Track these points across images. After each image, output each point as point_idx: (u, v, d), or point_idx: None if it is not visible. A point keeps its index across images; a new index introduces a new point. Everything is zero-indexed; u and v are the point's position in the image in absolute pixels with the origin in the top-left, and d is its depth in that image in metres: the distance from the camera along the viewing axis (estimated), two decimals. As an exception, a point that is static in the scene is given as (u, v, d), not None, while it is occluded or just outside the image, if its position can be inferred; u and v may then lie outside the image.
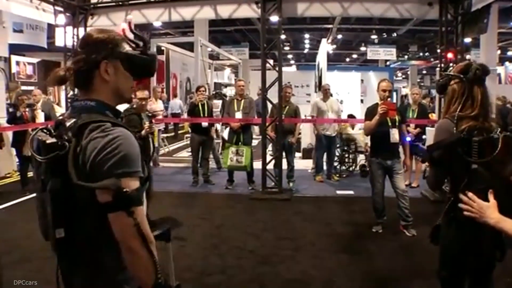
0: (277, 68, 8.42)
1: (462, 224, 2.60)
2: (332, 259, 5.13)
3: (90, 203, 1.59)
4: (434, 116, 9.46)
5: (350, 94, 13.36)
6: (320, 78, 12.08)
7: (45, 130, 1.71)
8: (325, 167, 9.49)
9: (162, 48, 16.37)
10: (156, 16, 9.66)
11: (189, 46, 13.31)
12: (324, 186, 8.93)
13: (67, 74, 1.76)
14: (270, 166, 8.29)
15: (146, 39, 1.88)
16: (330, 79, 11.52)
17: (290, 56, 35.83)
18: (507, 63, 26.74)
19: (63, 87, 11.73)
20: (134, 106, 6.02)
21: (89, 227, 1.66)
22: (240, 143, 8.26)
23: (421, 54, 28.15)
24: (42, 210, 1.76)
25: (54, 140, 1.61)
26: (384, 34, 23.76)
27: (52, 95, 18.94)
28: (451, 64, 7.65)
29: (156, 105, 10.90)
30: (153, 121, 6.25)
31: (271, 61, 9.51)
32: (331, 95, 9.86)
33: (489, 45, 8.90)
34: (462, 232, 2.65)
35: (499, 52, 22.59)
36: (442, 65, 8.33)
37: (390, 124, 5.84)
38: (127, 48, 1.78)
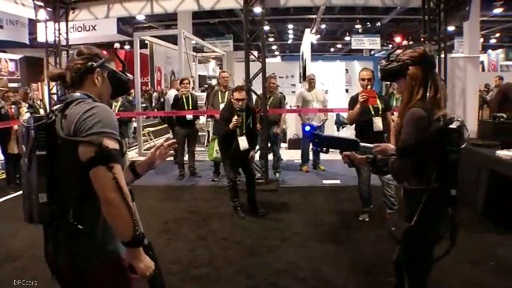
0: (260, 59, 8.40)
1: (437, 216, 2.67)
2: (320, 249, 5.15)
3: (70, 169, 1.88)
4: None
5: (335, 84, 13.36)
6: (304, 68, 12.08)
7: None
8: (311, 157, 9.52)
9: (146, 41, 16.24)
10: (138, 9, 9.59)
11: (173, 39, 13.18)
12: (310, 176, 8.96)
13: (63, 73, 2.09)
14: (256, 157, 8.27)
15: (124, 63, 2.35)
16: (314, 69, 11.49)
17: (274, 47, 35.70)
18: (490, 51, 26.97)
19: (45, 83, 11.66)
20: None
21: (68, 194, 1.93)
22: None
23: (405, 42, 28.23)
24: (27, 190, 1.98)
25: (43, 114, 2.01)
26: (368, 23, 23.76)
27: (35, 91, 18.75)
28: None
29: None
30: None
31: (255, 53, 9.47)
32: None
33: (472, 33, 8.95)
34: (437, 223, 2.71)
35: (482, 40, 22.76)
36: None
37: (373, 112, 5.84)
38: (111, 66, 2.18)
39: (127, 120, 9.38)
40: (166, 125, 17.90)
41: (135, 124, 11.62)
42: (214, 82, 17.08)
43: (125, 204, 1.81)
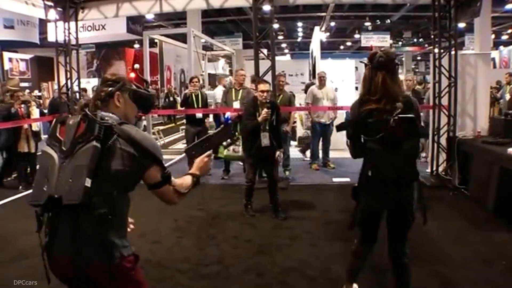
0: (270, 57, 8.39)
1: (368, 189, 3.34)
2: (329, 247, 5.14)
3: (113, 169, 2.13)
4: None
5: (345, 82, 13.32)
6: (314, 66, 12.06)
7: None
8: (321, 155, 9.51)
9: (156, 40, 16.29)
10: (147, 8, 9.58)
11: (183, 38, 13.22)
12: (320, 174, 8.95)
13: (88, 102, 2.37)
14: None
15: (147, 80, 2.69)
16: (324, 67, 11.48)
17: (284, 45, 35.67)
18: (501, 47, 26.69)
19: (56, 82, 11.72)
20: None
21: (108, 190, 2.11)
22: (236, 133, 8.22)
23: (415, 40, 28.06)
24: (43, 178, 2.13)
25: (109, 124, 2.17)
26: (378, 21, 23.65)
27: (46, 91, 18.91)
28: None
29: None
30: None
31: (265, 51, 9.46)
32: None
33: (483, 30, 8.87)
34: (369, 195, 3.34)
35: (493, 36, 22.55)
36: (436, 50, 8.32)
37: None
38: (133, 86, 2.42)
39: (136, 119, 9.37)
40: (173, 124, 18.04)
41: (145, 123, 11.65)
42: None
43: (183, 196, 2.39)
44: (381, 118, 3.05)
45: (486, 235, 5.46)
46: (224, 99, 8.74)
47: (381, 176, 3.20)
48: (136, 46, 25.08)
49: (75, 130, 2.16)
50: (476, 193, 6.94)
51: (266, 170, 6.53)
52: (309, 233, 5.67)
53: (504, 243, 5.19)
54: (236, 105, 8.34)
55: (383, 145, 3.12)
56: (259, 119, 6.00)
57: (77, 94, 9.12)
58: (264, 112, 5.97)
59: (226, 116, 8.59)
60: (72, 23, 9.11)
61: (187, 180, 2.45)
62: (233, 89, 8.63)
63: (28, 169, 8.33)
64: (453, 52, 8.01)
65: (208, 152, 2.66)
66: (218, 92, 9.74)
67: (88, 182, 2.01)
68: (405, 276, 3.45)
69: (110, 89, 2.34)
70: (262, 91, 6.06)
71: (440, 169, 8.26)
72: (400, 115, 3.02)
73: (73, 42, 9.03)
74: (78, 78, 8.98)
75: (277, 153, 6.31)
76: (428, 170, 8.52)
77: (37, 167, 2.42)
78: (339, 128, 3.45)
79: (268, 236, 5.59)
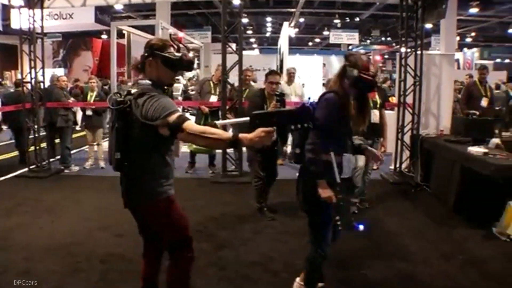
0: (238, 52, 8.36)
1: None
2: (293, 241, 5.17)
3: (138, 138, 2.77)
4: (394, 100, 9.61)
5: (312, 78, 13.41)
6: (281, 61, 12.08)
7: (118, 94, 2.84)
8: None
9: (124, 31, 16.01)
10: (116, -2, 9.39)
11: (151, 30, 13.03)
12: (285, 168, 8.93)
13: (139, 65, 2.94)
14: (231, 150, 8.24)
15: (179, 45, 2.91)
16: (292, 63, 11.50)
17: (253, 40, 35.62)
18: (465, 50, 27.33)
19: (19, 71, 11.42)
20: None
21: (135, 154, 2.82)
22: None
23: (383, 39, 28.45)
24: (110, 143, 2.94)
25: (122, 99, 2.77)
26: (347, 18, 23.84)
27: (8, 80, 18.40)
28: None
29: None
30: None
31: (234, 45, 9.40)
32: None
33: (448, 31, 9.03)
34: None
35: (458, 38, 23.04)
36: (403, 49, 8.45)
37: (371, 105, 6.00)
38: (170, 51, 2.84)
39: (102, 110, 9.27)
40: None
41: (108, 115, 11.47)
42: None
43: (208, 138, 2.56)
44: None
45: (446, 231, 5.60)
46: (198, 90, 8.67)
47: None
48: (104, 36, 24.62)
49: None
50: (438, 190, 7.09)
51: (269, 165, 6.16)
52: (273, 227, 5.70)
53: (463, 239, 5.33)
54: (214, 98, 8.32)
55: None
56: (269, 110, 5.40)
57: (41, 84, 8.87)
58: (273, 104, 5.72)
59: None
60: (38, 11, 8.82)
61: (215, 131, 2.60)
62: (211, 82, 8.55)
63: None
64: (419, 52, 8.14)
65: (271, 129, 2.56)
66: (180, 85, 9.59)
67: (117, 155, 2.81)
68: None
69: (145, 54, 2.87)
70: (271, 83, 5.84)
71: (404, 166, 8.40)
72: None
73: (38, 30, 8.76)
74: (43, 67, 8.73)
75: (284, 148, 6.12)
76: (392, 167, 8.66)
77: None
78: None
79: (232, 230, 5.59)
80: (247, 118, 2.60)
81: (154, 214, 2.97)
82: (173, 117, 2.59)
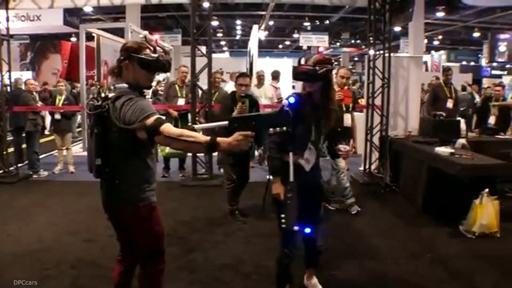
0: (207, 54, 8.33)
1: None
2: (264, 243, 5.16)
3: (118, 143, 2.73)
4: (363, 102, 9.72)
5: (282, 80, 13.44)
6: (251, 64, 12.10)
7: (94, 99, 2.81)
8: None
9: (93, 34, 15.81)
10: (84, 1, 9.21)
11: (121, 33, 12.89)
12: (255, 171, 8.94)
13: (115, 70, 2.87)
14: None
15: (155, 47, 2.87)
16: (262, 66, 11.52)
17: (223, 43, 35.59)
18: (433, 52, 27.90)
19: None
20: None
21: (115, 159, 2.77)
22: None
23: (352, 41, 28.75)
24: (89, 149, 2.91)
25: (99, 103, 2.73)
26: (317, 21, 24.04)
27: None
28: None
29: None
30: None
31: (203, 48, 9.36)
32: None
33: (416, 35, 9.18)
34: None
35: (426, 41, 23.48)
36: (371, 52, 8.56)
37: (344, 109, 6.25)
38: (146, 52, 2.78)
39: (71, 114, 9.12)
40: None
41: (79, 118, 11.32)
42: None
43: (184, 141, 2.52)
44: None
45: (415, 231, 5.69)
46: (165, 94, 8.61)
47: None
48: (73, 39, 24.24)
49: None
50: (406, 190, 7.20)
51: (241, 168, 6.07)
52: (243, 230, 5.70)
53: (431, 237, 5.43)
54: (181, 102, 8.25)
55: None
56: (234, 113, 5.44)
57: (8, 87, 8.68)
58: (238, 106, 5.54)
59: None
60: (3, 11, 8.62)
61: (193, 134, 2.57)
62: (176, 85, 8.46)
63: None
64: (387, 54, 8.26)
65: (250, 133, 2.49)
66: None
67: (98, 161, 2.75)
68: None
69: (121, 57, 2.81)
70: (241, 85, 5.71)
71: (373, 167, 8.50)
72: None
73: (4, 32, 8.56)
74: (9, 70, 8.54)
75: (258, 151, 6.12)
76: (361, 168, 8.76)
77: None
78: None
79: (202, 233, 5.57)
80: (226, 122, 2.54)
81: (134, 220, 2.91)
82: (151, 119, 2.54)
